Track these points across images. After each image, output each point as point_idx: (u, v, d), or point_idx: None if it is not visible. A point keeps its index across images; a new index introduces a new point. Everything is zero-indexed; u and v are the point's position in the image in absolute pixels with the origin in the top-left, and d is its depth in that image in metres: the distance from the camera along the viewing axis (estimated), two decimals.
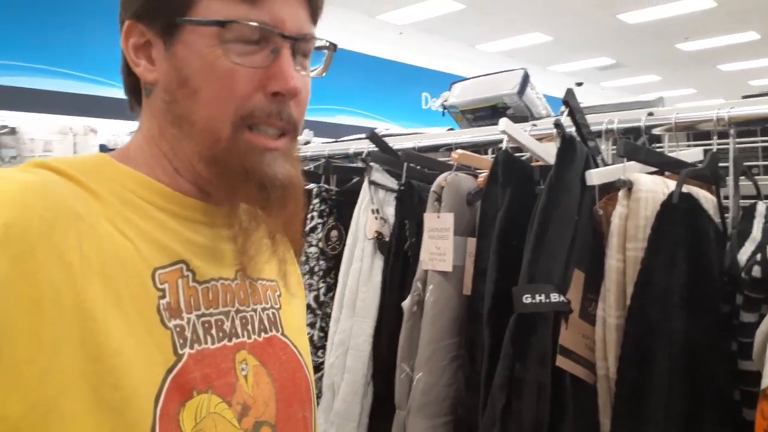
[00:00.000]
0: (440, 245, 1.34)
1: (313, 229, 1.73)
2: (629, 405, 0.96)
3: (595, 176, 1.11)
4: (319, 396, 1.59)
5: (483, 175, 1.37)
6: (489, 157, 1.49)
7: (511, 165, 1.27)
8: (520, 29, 9.28)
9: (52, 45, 5.79)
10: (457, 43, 9.77)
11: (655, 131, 1.27)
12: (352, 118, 8.41)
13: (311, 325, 1.67)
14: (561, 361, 1.04)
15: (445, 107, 1.96)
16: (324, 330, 1.65)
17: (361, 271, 1.55)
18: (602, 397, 1.04)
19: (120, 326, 0.51)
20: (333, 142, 2.16)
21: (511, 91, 1.76)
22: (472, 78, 1.98)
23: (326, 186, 1.79)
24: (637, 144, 1.21)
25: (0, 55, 5.54)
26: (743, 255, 1.00)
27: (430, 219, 1.38)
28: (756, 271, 0.92)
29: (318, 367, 1.63)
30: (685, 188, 1.03)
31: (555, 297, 1.04)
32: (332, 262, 1.72)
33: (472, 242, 1.32)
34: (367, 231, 1.58)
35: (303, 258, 1.70)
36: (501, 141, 1.43)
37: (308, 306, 1.69)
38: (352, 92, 8.44)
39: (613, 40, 9.67)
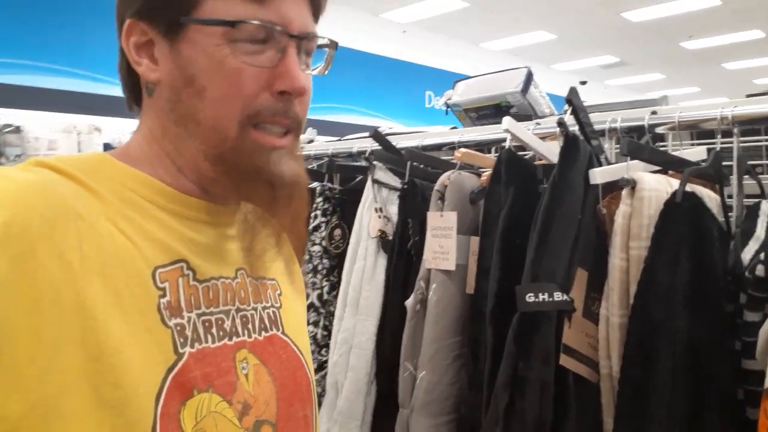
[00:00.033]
0: (443, 244, 1.34)
1: (317, 228, 1.73)
2: (632, 404, 0.96)
3: (599, 175, 1.11)
4: (322, 394, 1.60)
5: (486, 173, 1.38)
6: (492, 156, 1.50)
7: (514, 164, 1.27)
8: (524, 27, 9.26)
9: (57, 44, 5.81)
10: (460, 42, 9.75)
11: (659, 130, 1.26)
12: (355, 117, 8.41)
13: (315, 324, 1.68)
14: (564, 360, 1.04)
15: (448, 106, 1.96)
16: (327, 328, 1.66)
17: (365, 270, 1.55)
18: (605, 395, 1.04)
19: (120, 325, 0.51)
20: (336, 140, 2.17)
21: (515, 90, 1.75)
22: (476, 76, 1.98)
23: (330, 185, 1.80)
24: (641, 143, 1.21)
25: (5, 53, 5.56)
26: (747, 254, 1.00)
27: (433, 218, 1.38)
28: (760, 270, 0.92)
29: (321, 366, 1.64)
30: (689, 187, 1.03)
31: (558, 296, 1.04)
32: (335, 260, 1.72)
33: (475, 241, 1.32)
34: (371, 230, 1.58)
35: (306, 256, 1.71)
36: (504, 140, 1.43)
37: (312, 304, 1.69)
38: (355, 91, 8.44)
39: (617, 38, 9.64)
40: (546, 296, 1.03)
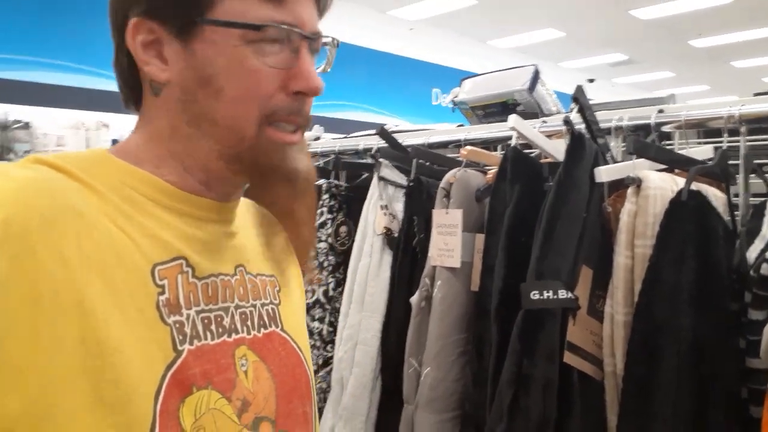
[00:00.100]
0: (449, 241, 1.35)
1: (323, 225, 1.74)
2: (636, 401, 0.97)
3: (604, 173, 1.11)
4: (327, 390, 1.61)
5: (492, 171, 1.38)
6: (498, 154, 1.50)
7: (520, 162, 1.27)
8: (532, 25, 9.22)
9: (66, 41, 5.84)
10: (468, 39, 9.73)
11: (665, 128, 1.26)
12: (362, 114, 8.42)
13: (320, 320, 1.69)
14: (569, 358, 1.04)
15: (455, 103, 1.96)
16: (333, 325, 1.66)
17: (370, 267, 1.56)
18: (610, 393, 1.04)
19: (119, 323, 0.51)
20: (343, 138, 2.17)
21: (522, 88, 1.75)
22: (483, 74, 1.98)
23: (336, 182, 1.80)
24: (647, 141, 1.21)
25: (14, 50, 5.59)
26: (752, 253, 1.00)
27: (438, 215, 1.39)
28: (765, 268, 0.92)
29: (327, 362, 1.64)
30: (695, 186, 1.03)
31: (563, 293, 1.04)
32: (341, 257, 1.73)
33: (480, 238, 1.32)
34: (376, 227, 1.58)
35: (312, 253, 1.71)
36: (510, 138, 1.43)
37: (317, 301, 1.70)
38: (362, 88, 8.44)
39: (626, 36, 9.59)
40: (551, 294, 1.04)
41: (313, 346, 1.67)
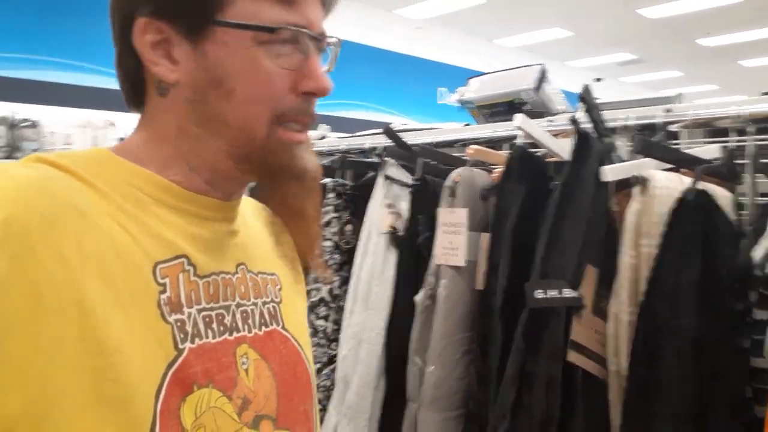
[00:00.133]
0: (453, 240, 1.35)
1: (328, 223, 1.74)
2: (639, 401, 0.96)
3: (610, 172, 1.11)
4: (331, 388, 1.61)
5: (498, 170, 1.38)
6: (504, 153, 1.50)
7: (525, 161, 1.27)
8: (539, 24, 9.20)
9: (74, 40, 5.87)
10: (474, 38, 9.71)
11: (672, 128, 1.26)
12: (367, 113, 8.42)
13: (325, 318, 1.69)
14: (573, 356, 1.04)
15: (461, 102, 1.96)
16: (338, 323, 1.67)
17: (375, 265, 1.56)
18: (613, 392, 1.04)
19: (120, 322, 0.51)
20: (349, 136, 2.18)
21: (528, 87, 1.75)
22: (489, 73, 1.97)
23: (341, 180, 1.80)
24: (653, 140, 1.21)
25: (22, 49, 5.63)
26: (758, 252, 0.99)
27: (444, 214, 1.39)
28: None
29: (331, 360, 1.65)
30: (702, 185, 1.02)
31: (567, 292, 1.04)
32: (346, 255, 1.73)
33: (485, 237, 1.32)
34: (381, 225, 1.58)
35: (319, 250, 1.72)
36: (516, 137, 1.42)
37: (322, 299, 1.70)
38: (368, 87, 8.44)
39: (634, 35, 9.55)
40: (555, 293, 1.04)
41: (317, 344, 1.68)
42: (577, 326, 1.06)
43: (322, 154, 2.03)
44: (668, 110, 1.26)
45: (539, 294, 1.03)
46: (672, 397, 0.94)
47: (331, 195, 1.76)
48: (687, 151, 1.21)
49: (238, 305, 0.63)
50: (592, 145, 1.16)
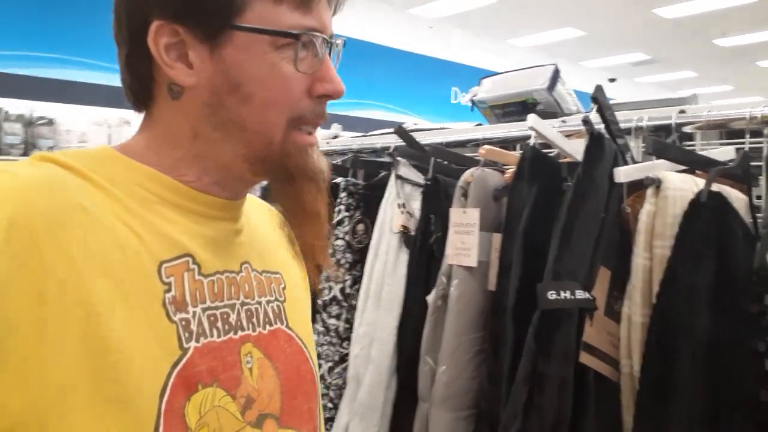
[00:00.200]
0: (465, 240, 1.35)
1: (340, 223, 1.75)
2: (652, 403, 0.96)
3: (623, 174, 1.10)
4: (343, 386, 1.62)
5: (510, 171, 1.38)
6: (516, 153, 1.49)
7: (538, 161, 1.27)
8: (553, 24, 9.15)
9: (90, 38, 5.92)
10: (487, 38, 9.68)
11: (687, 129, 1.25)
12: (380, 113, 8.41)
13: (337, 317, 1.70)
14: (585, 358, 1.04)
15: (474, 102, 1.95)
16: (350, 322, 1.67)
17: (387, 265, 1.56)
18: (626, 394, 1.03)
19: (124, 321, 0.51)
20: (361, 136, 2.18)
21: (541, 87, 1.75)
22: (502, 73, 1.97)
23: (353, 180, 1.81)
24: (667, 142, 1.20)
25: (39, 48, 5.69)
26: None
27: (455, 214, 1.39)
28: None
29: (343, 358, 1.65)
30: (716, 187, 1.02)
31: (580, 294, 1.04)
32: (358, 255, 1.74)
33: (497, 238, 1.32)
34: (393, 225, 1.59)
35: (330, 250, 1.72)
36: (529, 137, 1.42)
37: (334, 298, 1.71)
38: (380, 86, 8.44)
39: (649, 35, 9.47)
40: (568, 294, 1.03)
41: (329, 343, 1.68)
42: (590, 328, 1.05)
43: (334, 153, 2.04)
44: (682, 111, 1.25)
45: (552, 295, 1.03)
46: (685, 399, 0.93)
47: (343, 194, 1.77)
48: (701, 152, 1.20)
49: (243, 304, 0.63)
50: (606, 146, 1.15)
